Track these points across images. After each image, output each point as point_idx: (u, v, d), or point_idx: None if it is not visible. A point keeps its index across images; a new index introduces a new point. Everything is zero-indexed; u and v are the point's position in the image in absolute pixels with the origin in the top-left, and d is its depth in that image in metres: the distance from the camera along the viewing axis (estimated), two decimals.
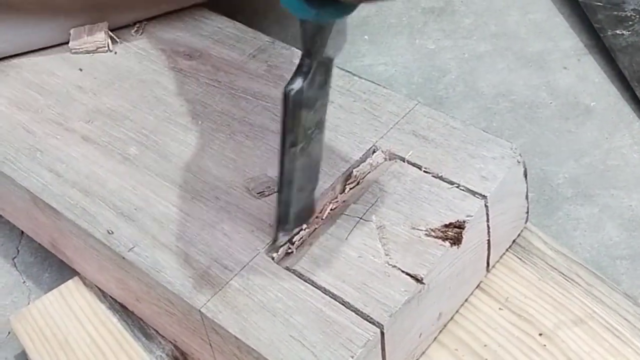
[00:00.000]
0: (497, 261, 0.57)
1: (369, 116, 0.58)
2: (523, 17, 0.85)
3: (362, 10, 0.89)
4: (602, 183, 0.68)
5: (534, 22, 0.84)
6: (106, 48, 0.67)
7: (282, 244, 0.49)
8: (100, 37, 0.67)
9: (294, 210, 0.47)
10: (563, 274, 0.57)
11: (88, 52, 0.67)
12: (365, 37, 0.86)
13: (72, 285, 0.60)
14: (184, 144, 0.58)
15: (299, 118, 0.43)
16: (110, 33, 0.68)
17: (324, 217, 0.52)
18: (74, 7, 0.66)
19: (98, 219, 0.54)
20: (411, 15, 0.88)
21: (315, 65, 0.41)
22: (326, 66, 0.42)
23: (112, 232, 0.53)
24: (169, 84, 0.63)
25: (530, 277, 0.57)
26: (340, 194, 0.54)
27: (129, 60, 0.66)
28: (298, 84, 0.42)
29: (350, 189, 0.54)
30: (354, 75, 0.62)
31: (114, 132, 0.60)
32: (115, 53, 0.67)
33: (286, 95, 0.42)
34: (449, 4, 0.88)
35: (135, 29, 0.69)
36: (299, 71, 0.42)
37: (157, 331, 0.56)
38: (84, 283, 0.60)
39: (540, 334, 0.53)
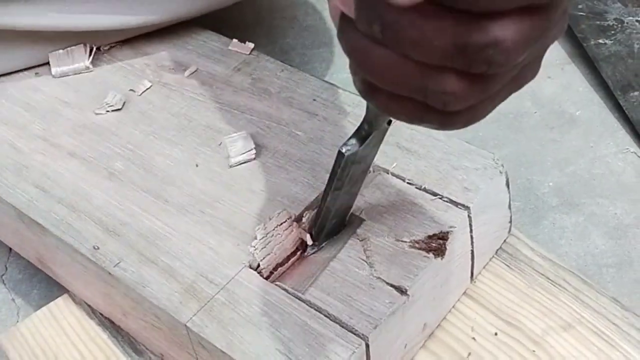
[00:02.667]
0: (484, 268, 0.58)
1: (354, 129, 0.58)
2: None
3: None
4: (587, 192, 0.69)
5: None
6: (88, 69, 0.67)
7: (309, 255, 0.51)
8: (81, 59, 0.67)
9: (325, 232, 0.51)
10: (550, 280, 0.58)
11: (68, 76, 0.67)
12: None
13: (61, 303, 0.60)
14: (170, 158, 0.58)
15: (348, 172, 0.45)
16: (93, 46, 0.68)
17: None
18: (56, 33, 0.66)
19: (84, 235, 0.54)
20: None
21: (375, 133, 0.43)
22: (384, 131, 0.44)
23: (98, 248, 0.53)
24: (153, 98, 0.64)
25: (517, 284, 0.57)
26: None
27: (114, 75, 0.67)
28: (354, 147, 0.43)
29: None
30: (339, 87, 0.63)
31: (100, 147, 0.60)
32: (100, 67, 0.67)
33: (341, 154, 0.44)
34: None
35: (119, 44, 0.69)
36: (357, 134, 0.43)
37: (146, 347, 0.56)
38: (73, 300, 0.60)
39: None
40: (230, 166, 0.57)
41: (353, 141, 0.44)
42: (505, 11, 0.29)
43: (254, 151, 0.57)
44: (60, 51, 0.67)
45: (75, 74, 0.67)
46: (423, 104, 0.33)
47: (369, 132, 0.43)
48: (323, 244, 0.51)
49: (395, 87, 0.33)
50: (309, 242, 0.51)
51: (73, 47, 0.67)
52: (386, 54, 0.32)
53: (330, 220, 0.50)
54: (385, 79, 0.33)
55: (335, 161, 0.45)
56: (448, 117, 0.34)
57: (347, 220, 0.52)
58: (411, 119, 0.35)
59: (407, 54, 0.31)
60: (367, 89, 0.35)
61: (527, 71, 0.34)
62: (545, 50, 0.34)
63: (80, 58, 0.67)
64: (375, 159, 0.47)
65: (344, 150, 0.43)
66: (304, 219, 0.52)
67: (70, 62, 0.67)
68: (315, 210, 0.51)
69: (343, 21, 0.33)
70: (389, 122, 0.43)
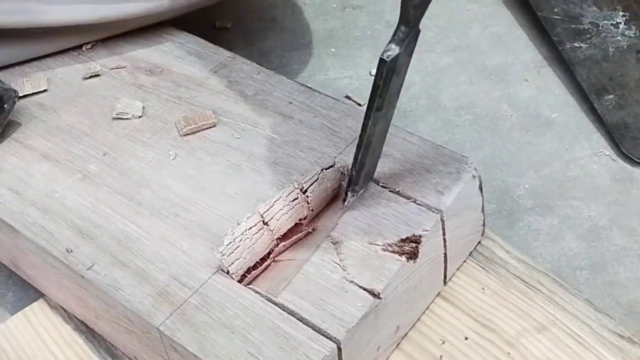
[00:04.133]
0: (460, 270, 0.58)
1: (328, 131, 0.59)
2: (484, 30, 0.86)
3: (327, 23, 0.90)
4: (562, 194, 0.69)
5: (495, 35, 0.85)
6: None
7: (349, 204, 0.52)
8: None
9: (365, 172, 0.50)
10: (525, 282, 0.58)
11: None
12: (332, 49, 0.86)
13: (36, 307, 0.60)
14: (144, 161, 0.58)
15: (389, 84, 0.45)
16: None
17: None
18: (44, 29, 0.65)
19: (57, 237, 0.54)
20: (376, 28, 0.89)
21: (412, 34, 0.44)
22: (417, 34, 0.45)
23: (71, 251, 0.53)
24: (129, 100, 0.63)
25: (493, 286, 0.58)
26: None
27: (90, 77, 0.66)
28: (395, 50, 0.44)
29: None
30: (314, 90, 0.63)
31: (74, 149, 0.60)
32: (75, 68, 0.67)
33: (383, 61, 0.44)
34: None
35: (90, 45, 0.69)
36: (396, 38, 0.44)
37: (121, 351, 0.56)
38: (49, 304, 0.59)
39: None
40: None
41: (392, 45, 0.44)
42: None
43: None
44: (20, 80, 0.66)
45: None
46: None
47: (406, 34, 0.43)
48: (362, 191, 0.52)
49: None
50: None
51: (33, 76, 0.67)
52: None
53: (369, 157, 0.49)
54: None
55: (377, 72, 0.45)
56: None
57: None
58: None
59: None
60: None
61: None
62: None
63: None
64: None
65: (385, 57, 0.44)
66: (308, 192, 0.52)
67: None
68: (355, 149, 0.50)
69: None
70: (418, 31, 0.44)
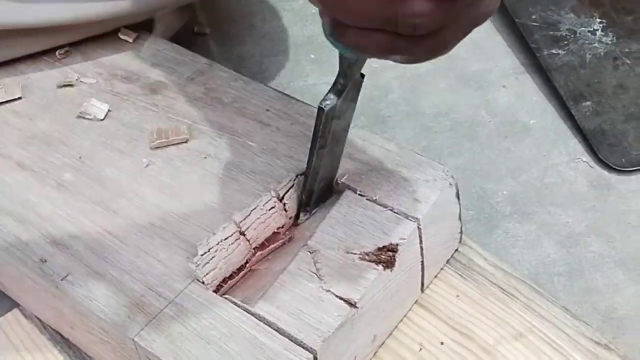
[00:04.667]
0: (438, 277, 0.58)
1: (306, 139, 0.58)
2: None
3: (306, 29, 0.90)
4: (539, 200, 0.70)
5: (474, 42, 0.86)
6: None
7: (302, 222, 0.54)
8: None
9: (316, 196, 0.53)
10: (503, 289, 0.58)
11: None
12: (312, 55, 0.86)
13: (11, 318, 0.59)
14: (120, 169, 0.58)
15: (330, 127, 0.48)
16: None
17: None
18: (19, 31, 0.65)
19: (31, 247, 0.53)
20: None
21: (350, 85, 0.46)
22: (359, 84, 0.47)
23: (46, 261, 0.52)
24: (104, 107, 0.63)
25: (470, 293, 0.58)
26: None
27: (66, 83, 0.66)
28: (332, 101, 0.47)
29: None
30: (292, 98, 0.63)
31: (49, 157, 0.59)
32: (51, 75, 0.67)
33: (321, 109, 0.47)
34: None
35: (64, 51, 0.69)
36: (334, 88, 0.47)
37: None
38: (24, 314, 0.59)
39: None
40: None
41: (331, 96, 0.47)
42: None
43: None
44: None
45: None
46: (392, 34, 0.35)
47: (344, 85, 0.46)
48: (314, 211, 0.54)
49: (366, 20, 0.35)
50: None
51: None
52: None
53: (319, 183, 0.52)
54: (351, 14, 0.35)
55: (317, 118, 0.47)
56: (417, 43, 0.36)
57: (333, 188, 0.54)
58: (381, 52, 0.37)
59: None
60: (336, 30, 0.38)
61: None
62: None
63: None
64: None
65: (323, 105, 0.47)
66: (285, 199, 0.53)
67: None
68: (303, 176, 0.53)
69: None
70: (362, 76, 0.46)
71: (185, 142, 0.59)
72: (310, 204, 0.54)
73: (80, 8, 0.64)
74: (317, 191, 0.53)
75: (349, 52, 0.43)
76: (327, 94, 0.47)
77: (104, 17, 0.66)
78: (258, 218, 0.51)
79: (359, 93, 0.48)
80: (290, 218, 0.54)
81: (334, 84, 0.47)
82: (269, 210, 0.52)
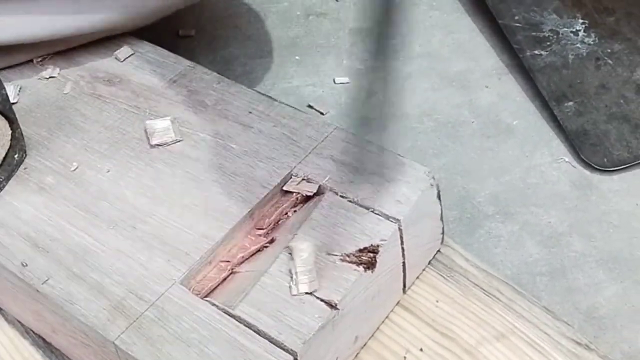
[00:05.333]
0: (420, 279, 0.58)
1: (288, 141, 0.59)
2: (446, 37, 0.87)
3: (290, 31, 0.90)
4: (522, 200, 0.70)
5: (457, 42, 0.86)
6: None
7: None
8: None
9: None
10: (484, 290, 0.58)
11: None
12: (296, 57, 0.86)
13: None
14: (102, 172, 0.58)
15: None
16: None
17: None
18: None
19: (12, 251, 0.53)
20: (339, 36, 0.89)
21: None
22: None
23: (27, 265, 0.52)
24: (87, 110, 0.63)
25: (452, 294, 0.58)
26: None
27: (47, 87, 0.66)
28: None
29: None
30: (274, 100, 0.63)
31: (30, 161, 0.59)
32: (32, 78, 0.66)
33: None
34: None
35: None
36: None
37: None
38: (6, 319, 0.58)
39: None
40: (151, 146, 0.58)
41: None
42: None
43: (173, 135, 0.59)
44: None
45: None
46: None
47: None
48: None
49: None
50: None
51: None
52: None
53: None
54: None
55: None
56: None
57: None
58: None
59: None
60: None
61: None
62: None
63: None
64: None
65: None
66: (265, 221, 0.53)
67: None
68: None
69: None
70: None
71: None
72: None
73: (64, 24, 0.64)
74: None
75: None
76: None
77: (89, 32, 0.66)
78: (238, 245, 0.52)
79: None
80: (270, 225, 0.54)
81: None
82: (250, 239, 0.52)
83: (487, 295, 0.58)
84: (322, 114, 0.78)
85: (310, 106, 0.79)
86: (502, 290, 0.58)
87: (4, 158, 0.57)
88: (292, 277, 0.49)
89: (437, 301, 0.57)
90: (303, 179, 0.55)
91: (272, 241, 0.53)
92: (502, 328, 0.56)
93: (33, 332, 0.57)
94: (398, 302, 0.57)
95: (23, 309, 0.55)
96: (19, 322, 0.58)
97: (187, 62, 0.67)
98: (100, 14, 0.65)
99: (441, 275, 0.59)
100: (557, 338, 0.56)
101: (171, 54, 0.68)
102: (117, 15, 0.65)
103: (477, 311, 0.57)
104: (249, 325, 0.47)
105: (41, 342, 0.57)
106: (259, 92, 0.64)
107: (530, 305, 0.57)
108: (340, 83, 0.82)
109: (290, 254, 0.50)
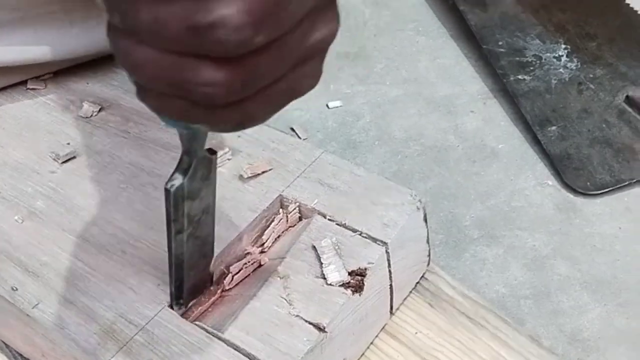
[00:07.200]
0: (406, 305, 0.58)
1: (276, 164, 0.59)
2: (432, 62, 0.88)
3: None
4: (507, 224, 0.71)
5: (442, 67, 0.87)
6: None
7: (179, 312, 0.50)
8: None
9: (187, 287, 0.48)
10: (471, 318, 0.59)
11: None
12: None
13: None
14: (92, 197, 0.58)
15: (182, 209, 0.43)
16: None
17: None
18: None
19: (2, 276, 0.53)
20: (326, 60, 0.90)
21: (195, 162, 0.42)
22: (208, 160, 0.43)
23: (17, 289, 0.52)
24: (77, 135, 0.63)
25: (438, 322, 0.58)
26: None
27: (37, 111, 0.66)
28: (178, 180, 0.42)
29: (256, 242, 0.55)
30: (263, 125, 0.63)
31: (21, 185, 0.60)
32: (23, 102, 0.67)
33: (167, 190, 0.42)
34: (363, 49, 0.91)
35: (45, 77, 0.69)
36: (180, 167, 0.42)
37: None
38: None
39: None
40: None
41: (177, 175, 0.42)
42: None
43: None
44: None
45: None
46: (190, 101, 0.32)
47: (189, 162, 0.42)
48: (190, 304, 0.50)
49: (156, 83, 0.32)
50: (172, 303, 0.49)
51: None
52: (142, 50, 0.31)
53: (188, 272, 0.47)
54: (144, 75, 0.32)
55: (165, 200, 0.43)
56: (218, 114, 0.33)
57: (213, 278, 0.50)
58: (180, 117, 0.34)
59: (155, 45, 0.30)
60: (138, 90, 0.34)
61: (300, 72, 0.33)
62: (312, 45, 0.33)
63: None
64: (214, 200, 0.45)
65: (168, 186, 0.42)
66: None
67: None
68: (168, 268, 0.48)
69: (109, 27, 0.33)
70: (212, 152, 0.42)
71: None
72: (184, 296, 0.48)
73: (58, 47, 0.65)
74: (188, 281, 0.48)
75: (165, 120, 0.37)
76: (173, 172, 0.42)
77: (84, 55, 0.67)
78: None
79: (213, 171, 0.43)
80: (261, 246, 0.54)
81: (180, 162, 0.42)
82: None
83: (473, 324, 0.58)
84: (300, 138, 0.79)
85: (292, 129, 0.80)
86: (487, 319, 0.59)
87: None
88: (281, 301, 0.50)
89: (423, 329, 0.57)
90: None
91: (260, 265, 0.54)
92: (487, 356, 0.56)
93: (22, 356, 0.57)
94: (385, 328, 0.57)
95: (13, 334, 0.55)
96: (7, 347, 0.58)
97: None
98: (94, 39, 0.66)
99: (427, 303, 0.59)
100: None
101: None
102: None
103: (463, 339, 0.57)
104: (237, 349, 0.48)
105: None
106: None
107: (515, 334, 0.58)
108: (335, 107, 0.83)
109: (279, 277, 0.51)
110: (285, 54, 0.32)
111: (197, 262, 0.48)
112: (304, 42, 0.33)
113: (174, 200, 0.42)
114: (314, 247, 0.52)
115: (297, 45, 0.32)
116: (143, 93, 0.34)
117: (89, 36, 0.66)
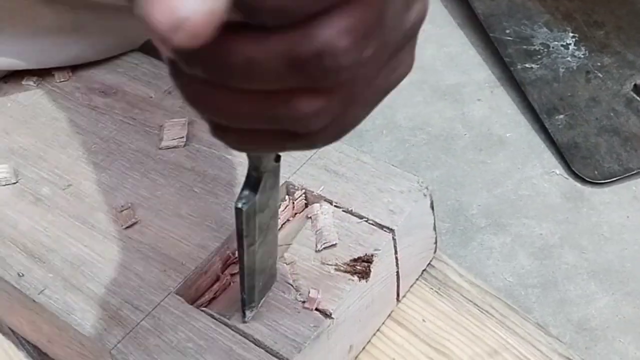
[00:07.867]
0: (412, 293, 0.58)
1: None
2: (438, 50, 0.88)
3: None
4: (514, 212, 0.71)
5: (449, 56, 0.87)
6: None
7: (249, 319, 0.48)
8: None
9: (258, 290, 0.48)
10: (478, 306, 0.58)
11: None
12: None
13: None
14: (97, 183, 0.58)
15: (254, 224, 0.42)
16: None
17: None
18: None
19: (8, 262, 0.53)
20: None
21: (265, 176, 0.40)
22: (275, 169, 0.41)
23: (23, 275, 0.52)
24: (82, 122, 0.63)
25: (446, 310, 0.58)
26: None
27: (43, 98, 0.66)
28: (249, 197, 0.40)
29: None
30: None
31: (27, 172, 0.60)
32: (29, 90, 0.67)
33: (239, 209, 0.40)
34: None
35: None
36: (248, 184, 0.40)
37: None
38: (1, 330, 0.59)
39: None
40: (160, 148, 0.59)
41: (246, 192, 0.40)
42: (320, 11, 0.25)
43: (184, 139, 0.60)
44: None
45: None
46: (284, 132, 0.29)
47: (259, 178, 0.40)
48: (261, 303, 0.49)
49: (241, 123, 0.29)
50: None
51: None
52: (225, 93, 0.27)
53: (259, 278, 0.47)
54: (233, 117, 0.29)
55: (236, 218, 0.41)
56: (315, 136, 0.30)
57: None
58: (274, 149, 0.32)
59: (245, 87, 0.27)
60: (216, 131, 0.31)
61: (395, 63, 0.30)
62: (405, 32, 0.29)
63: None
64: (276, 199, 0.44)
65: (240, 205, 0.40)
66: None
67: None
68: (238, 275, 0.47)
69: (171, 66, 0.28)
70: (277, 159, 0.41)
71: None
72: (255, 299, 0.48)
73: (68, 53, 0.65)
74: (258, 286, 0.47)
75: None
76: (242, 190, 0.40)
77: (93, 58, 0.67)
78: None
79: (278, 177, 0.42)
80: None
81: (247, 178, 0.40)
82: None
83: (481, 311, 0.58)
84: None
85: None
86: (495, 306, 0.59)
87: None
88: (288, 287, 0.49)
89: (430, 316, 0.57)
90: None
91: None
92: (495, 344, 0.56)
93: (28, 343, 0.57)
94: (391, 315, 0.57)
95: (19, 320, 0.55)
96: (14, 333, 0.58)
97: None
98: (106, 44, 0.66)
99: (434, 290, 0.59)
100: (549, 354, 0.56)
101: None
102: (122, 42, 0.66)
103: (470, 327, 0.57)
104: (244, 335, 0.47)
105: (36, 354, 0.57)
106: None
107: (522, 321, 0.58)
108: None
109: (286, 263, 0.51)
110: (384, 53, 0.28)
111: (266, 264, 0.47)
112: (400, 31, 0.29)
113: (246, 218, 0.41)
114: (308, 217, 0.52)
115: (395, 39, 0.29)
116: (221, 132, 0.31)
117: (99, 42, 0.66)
